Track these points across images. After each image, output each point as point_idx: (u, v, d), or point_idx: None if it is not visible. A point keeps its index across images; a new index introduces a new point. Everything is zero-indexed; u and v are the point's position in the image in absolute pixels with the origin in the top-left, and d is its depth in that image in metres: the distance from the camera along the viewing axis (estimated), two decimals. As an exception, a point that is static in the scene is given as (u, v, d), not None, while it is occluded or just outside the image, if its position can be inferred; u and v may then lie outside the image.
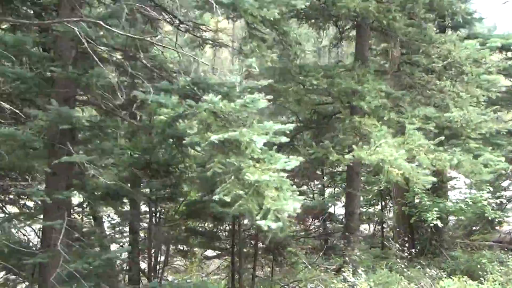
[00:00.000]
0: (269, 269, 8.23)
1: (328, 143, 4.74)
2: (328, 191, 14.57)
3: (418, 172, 4.14)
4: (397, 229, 11.95)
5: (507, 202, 12.00)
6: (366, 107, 5.13)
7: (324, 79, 5.28)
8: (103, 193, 5.08)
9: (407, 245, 11.62)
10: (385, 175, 4.18)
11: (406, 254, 8.44)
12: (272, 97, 4.47)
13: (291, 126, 4.13)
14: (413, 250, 11.88)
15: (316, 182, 14.17)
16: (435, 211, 9.99)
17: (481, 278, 10.10)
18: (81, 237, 5.20)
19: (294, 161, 3.93)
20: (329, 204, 13.32)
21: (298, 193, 4.15)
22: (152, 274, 8.88)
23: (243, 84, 4.07)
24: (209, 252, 9.73)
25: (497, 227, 16.10)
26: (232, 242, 7.90)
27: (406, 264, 11.32)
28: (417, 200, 10.89)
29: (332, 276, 6.38)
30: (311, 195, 14.12)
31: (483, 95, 6.69)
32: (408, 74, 6.68)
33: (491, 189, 10.40)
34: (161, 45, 4.71)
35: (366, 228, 14.93)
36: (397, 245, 8.15)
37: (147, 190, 7.43)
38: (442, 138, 4.81)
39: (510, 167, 14.28)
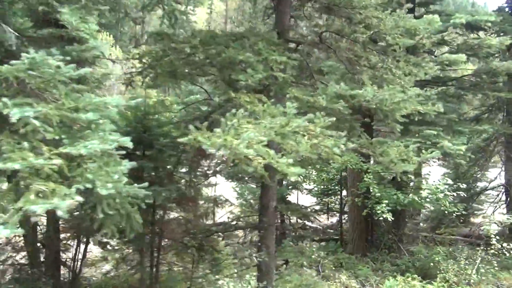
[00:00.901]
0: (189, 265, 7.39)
1: (199, 124, 3.82)
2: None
3: (277, 161, 3.23)
4: (353, 222, 11.08)
5: (465, 195, 11.08)
6: (251, 81, 4.20)
7: (202, 47, 4.33)
8: None
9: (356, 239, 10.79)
10: (240, 165, 3.27)
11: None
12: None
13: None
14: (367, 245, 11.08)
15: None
16: (385, 203, 9.12)
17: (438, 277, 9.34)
18: None
19: (101, 145, 3.03)
20: (286, 192, 12.46)
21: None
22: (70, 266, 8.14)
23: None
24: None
25: (472, 220, 15.30)
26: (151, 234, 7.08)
27: (356, 261, 10.54)
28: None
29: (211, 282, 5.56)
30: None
31: (422, 73, 5.71)
32: (334, 47, 5.72)
33: (450, 181, 9.50)
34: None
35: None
36: (308, 245, 7.24)
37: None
38: (333, 119, 3.88)
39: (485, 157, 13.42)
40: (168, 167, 6.41)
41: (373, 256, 10.60)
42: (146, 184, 3.76)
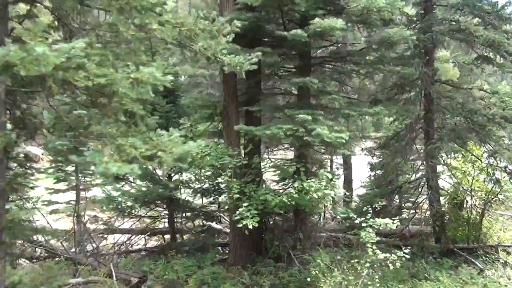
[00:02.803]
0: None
1: None
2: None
3: None
4: (233, 227, 9.22)
5: (346, 194, 9.31)
6: None
7: None
8: None
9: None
10: None
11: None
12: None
13: None
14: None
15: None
16: (245, 206, 7.31)
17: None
18: None
19: None
20: (174, 191, 10.64)
21: None
22: None
23: None
24: None
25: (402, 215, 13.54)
26: None
27: (231, 274, 8.70)
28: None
29: None
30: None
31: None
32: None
33: (329, 176, 7.70)
34: None
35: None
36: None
37: None
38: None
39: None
40: None
41: (255, 267, 8.82)
42: None
